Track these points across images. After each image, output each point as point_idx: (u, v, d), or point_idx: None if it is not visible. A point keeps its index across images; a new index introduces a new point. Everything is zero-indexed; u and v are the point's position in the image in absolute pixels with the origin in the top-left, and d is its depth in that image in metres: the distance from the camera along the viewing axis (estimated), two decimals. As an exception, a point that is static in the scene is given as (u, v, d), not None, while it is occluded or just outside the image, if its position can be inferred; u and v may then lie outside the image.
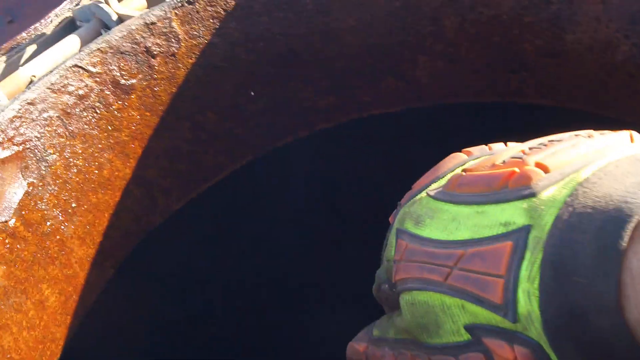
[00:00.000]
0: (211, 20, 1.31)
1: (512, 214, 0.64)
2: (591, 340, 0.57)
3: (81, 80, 1.22)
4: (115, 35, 1.25)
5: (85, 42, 1.44)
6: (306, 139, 1.51)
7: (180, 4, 1.29)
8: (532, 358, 0.62)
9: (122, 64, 1.26)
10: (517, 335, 0.62)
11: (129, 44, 1.26)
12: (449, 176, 0.82)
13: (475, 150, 0.86)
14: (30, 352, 1.18)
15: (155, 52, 1.29)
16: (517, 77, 1.41)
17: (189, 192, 1.45)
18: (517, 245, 0.62)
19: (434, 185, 0.82)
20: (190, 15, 1.30)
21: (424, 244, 0.72)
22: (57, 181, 1.22)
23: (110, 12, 1.44)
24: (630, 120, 1.35)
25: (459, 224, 0.69)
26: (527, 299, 0.60)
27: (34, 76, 1.38)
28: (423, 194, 0.81)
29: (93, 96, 1.24)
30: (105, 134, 1.27)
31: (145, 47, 1.28)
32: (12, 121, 1.15)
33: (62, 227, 1.24)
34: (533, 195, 0.63)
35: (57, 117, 1.20)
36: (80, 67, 1.22)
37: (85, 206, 1.27)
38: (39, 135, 1.18)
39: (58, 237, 1.23)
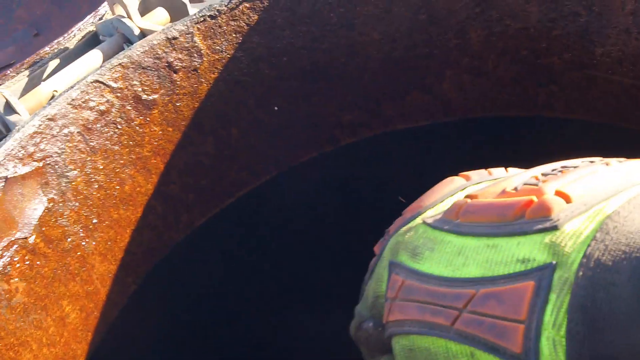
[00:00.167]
0: (234, 35, 1.29)
1: (531, 250, 0.57)
2: None
3: (102, 95, 1.20)
4: (137, 50, 1.23)
5: (107, 57, 1.41)
6: (330, 154, 1.48)
7: (202, 19, 1.26)
8: None
9: (143, 79, 1.24)
10: None
11: (151, 59, 1.24)
12: (447, 202, 0.76)
13: (474, 174, 0.81)
14: (51, 369, 1.16)
15: (177, 67, 1.26)
16: (545, 90, 1.37)
17: (212, 207, 1.43)
18: (540, 286, 0.54)
19: (429, 212, 0.76)
20: (212, 30, 1.27)
21: (425, 280, 0.65)
22: (78, 197, 1.19)
23: (132, 27, 1.42)
24: (660, 135, 1.31)
25: (467, 259, 0.62)
26: (552, 348, 0.52)
27: (56, 91, 1.36)
28: (418, 220, 0.75)
29: (114, 111, 1.22)
30: (127, 150, 1.25)
31: (167, 62, 1.25)
32: (32, 137, 1.12)
33: (83, 243, 1.21)
34: (555, 228, 0.56)
35: (78, 132, 1.18)
36: (101, 82, 1.19)
37: (107, 222, 1.25)
38: (59, 151, 1.16)
39: (79, 253, 1.21)
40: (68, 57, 1.52)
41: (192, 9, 1.61)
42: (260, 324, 1.66)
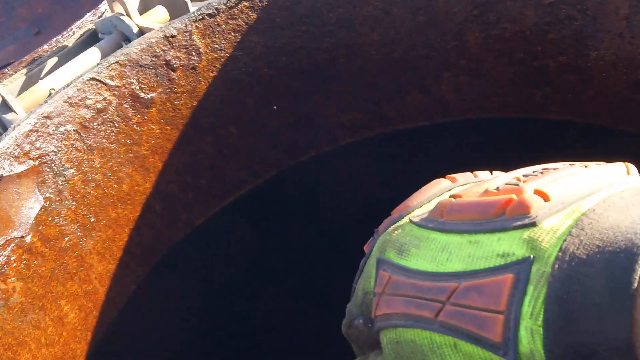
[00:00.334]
0: (233, 34, 1.25)
1: (510, 245, 0.58)
2: None
3: (99, 93, 1.16)
4: (134, 48, 1.19)
5: (105, 55, 1.39)
6: (330, 154, 1.45)
7: (201, 17, 1.22)
8: None
9: (141, 77, 1.20)
10: None
11: (149, 57, 1.20)
12: (433, 202, 0.77)
13: (460, 177, 0.81)
14: (49, 369, 1.13)
15: (175, 65, 1.22)
16: (541, 92, 1.35)
17: (211, 207, 1.40)
18: (519, 279, 0.55)
19: (416, 212, 0.76)
20: (211, 29, 1.24)
21: (411, 275, 0.65)
22: (75, 196, 1.16)
23: (131, 25, 1.39)
24: (655, 136, 1.30)
25: (450, 255, 0.62)
26: (530, 337, 0.54)
27: (54, 89, 1.33)
28: (405, 220, 0.75)
29: (112, 110, 1.18)
30: (125, 148, 1.21)
31: (165, 60, 1.21)
32: (28, 135, 1.09)
33: (81, 242, 1.18)
34: (533, 224, 0.57)
35: (74, 131, 1.14)
36: (98, 80, 1.16)
37: (105, 221, 1.21)
38: (55, 150, 1.12)
39: (77, 252, 1.18)
40: (66, 55, 1.49)
41: (193, 7, 1.59)
42: (261, 324, 1.64)
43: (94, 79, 1.16)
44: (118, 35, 1.42)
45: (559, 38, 1.28)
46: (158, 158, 1.27)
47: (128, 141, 1.22)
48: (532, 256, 0.55)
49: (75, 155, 1.15)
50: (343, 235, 1.57)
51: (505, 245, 0.58)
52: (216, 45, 1.26)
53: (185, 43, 1.23)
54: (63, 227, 1.15)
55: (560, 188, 0.59)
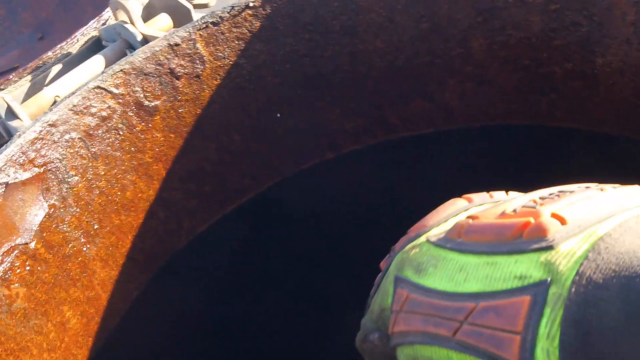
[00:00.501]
0: (236, 42, 1.27)
1: (527, 267, 0.59)
2: None
3: (104, 101, 1.19)
4: (138, 56, 1.21)
5: (110, 63, 1.41)
6: (333, 161, 1.47)
7: (204, 25, 1.25)
8: None
9: (145, 85, 1.23)
10: None
11: (153, 65, 1.23)
12: (450, 222, 0.78)
13: (476, 197, 0.81)
14: (50, 375, 1.15)
15: (179, 74, 1.25)
16: (546, 100, 1.37)
17: (214, 214, 1.42)
18: (536, 301, 0.57)
19: (433, 231, 0.77)
20: (215, 37, 1.26)
21: (429, 295, 0.67)
22: (79, 203, 1.18)
23: (135, 33, 1.41)
24: (662, 145, 1.31)
25: (468, 275, 0.64)
26: (547, 358, 0.55)
27: (58, 96, 1.35)
28: (422, 239, 0.76)
29: (116, 118, 1.21)
30: (129, 156, 1.23)
31: (170, 69, 1.24)
32: (33, 143, 1.11)
33: (84, 249, 1.20)
34: (550, 248, 0.58)
35: (79, 138, 1.17)
36: (103, 88, 1.18)
37: (108, 228, 1.24)
38: (60, 157, 1.14)
39: (80, 259, 1.20)
40: (71, 62, 1.52)
41: (196, 15, 1.61)
42: (263, 330, 1.65)
43: (98, 87, 1.18)
44: (122, 43, 1.44)
45: (565, 44, 1.29)
46: (162, 165, 1.29)
47: (132, 149, 1.24)
48: (549, 279, 0.56)
49: (79, 163, 1.18)
50: (346, 242, 1.59)
51: (523, 268, 0.59)
52: (220, 54, 1.28)
53: (189, 51, 1.25)
54: (67, 234, 1.17)
55: (577, 212, 0.60)
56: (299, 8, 1.29)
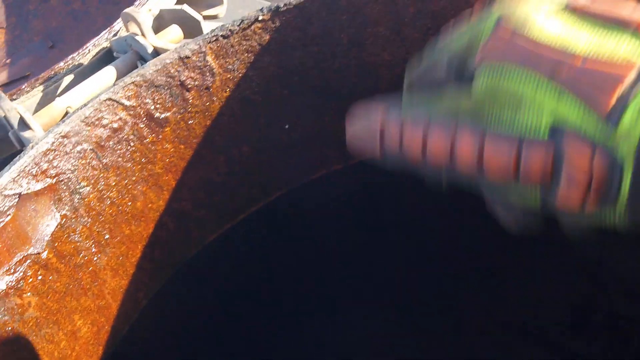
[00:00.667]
0: (246, 54, 1.28)
1: (638, 47, 0.61)
2: None
3: (115, 113, 1.19)
4: (149, 69, 1.22)
5: (121, 74, 1.41)
6: (341, 172, 1.47)
7: (215, 38, 1.25)
8: (606, 175, 0.59)
9: (156, 97, 1.23)
10: (604, 148, 0.59)
11: (164, 78, 1.23)
12: None
13: None
14: (62, 383, 1.15)
15: (189, 86, 1.25)
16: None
17: (223, 223, 1.42)
18: None
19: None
20: (224, 49, 1.26)
21: (534, 40, 0.66)
22: (91, 213, 1.19)
23: (146, 45, 1.42)
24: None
25: (579, 34, 0.65)
26: (636, 115, 0.57)
27: (70, 107, 1.36)
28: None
29: (127, 129, 1.21)
30: (139, 167, 1.24)
31: (180, 81, 1.24)
32: (45, 154, 1.12)
33: (95, 258, 1.21)
34: None
35: (90, 149, 1.17)
36: (114, 100, 1.19)
37: (119, 238, 1.24)
38: (72, 168, 1.15)
39: (91, 268, 1.20)
40: (82, 73, 1.52)
41: (206, 26, 1.61)
42: (273, 341, 1.65)
43: (110, 99, 1.19)
44: (133, 55, 1.45)
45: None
46: (172, 176, 1.29)
47: (143, 160, 1.24)
48: None
49: (91, 174, 1.18)
50: (354, 252, 1.59)
51: (632, 44, 0.61)
52: (229, 66, 1.28)
53: (199, 64, 1.26)
54: (78, 244, 1.18)
55: None
56: (308, 21, 1.29)
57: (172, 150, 1.28)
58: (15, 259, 1.08)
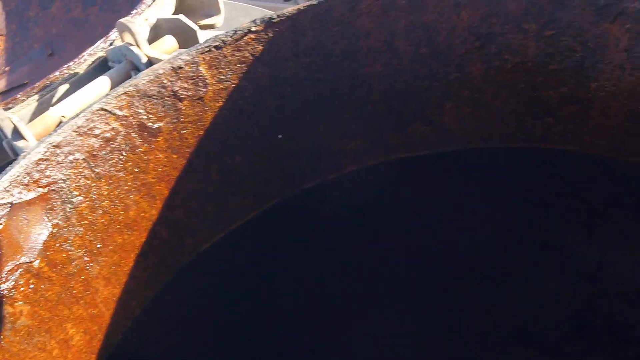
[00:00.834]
0: (238, 65, 1.27)
1: None
2: None
3: (108, 123, 1.18)
4: (142, 79, 1.21)
5: (115, 84, 1.41)
6: (334, 182, 1.46)
7: (207, 49, 1.25)
8: None
9: (149, 107, 1.22)
10: None
11: (157, 88, 1.22)
12: None
13: None
14: (53, 391, 1.14)
15: (182, 96, 1.24)
16: (542, 123, 1.36)
17: (216, 232, 1.41)
18: None
19: None
20: (217, 60, 1.26)
21: None
22: (83, 222, 1.18)
23: (140, 55, 1.41)
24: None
25: None
26: None
27: (64, 117, 1.35)
28: None
29: (119, 139, 1.20)
30: (132, 176, 1.23)
31: (173, 91, 1.23)
32: (37, 164, 1.11)
33: (87, 267, 1.20)
34: None
35: (83, 159, 1.16)
36: (107, 110, 1.18)
37: (111, 247, 1.23)
38: (64, 178, 1.14)
39: (83, 277, 1.19)
40: (77, 82, 1.52)
41: (203, 35, 1.61)
42: (268, 349, 1.65)
43: (102, 109, 1.18)
44: (127, 65, 1.44)
45: (560, 69, 1.29)
46: (164, 185, 1.28)
47: (135, 169, 1.24)
48: None
49: (83, 183, 1.17)
50: (347, 260, 1.58)
51: None
52: (222, 76, 1.27)
53: (192, 74, 1.25)
54: (70, 253, 1.17)
55: None
56: (300, 33, 1.28)
57: (164, 159, 1.27)
58: (7, 268, 1.07)
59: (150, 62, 1.42)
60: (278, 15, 1.26)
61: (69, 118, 1.18)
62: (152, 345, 1.39)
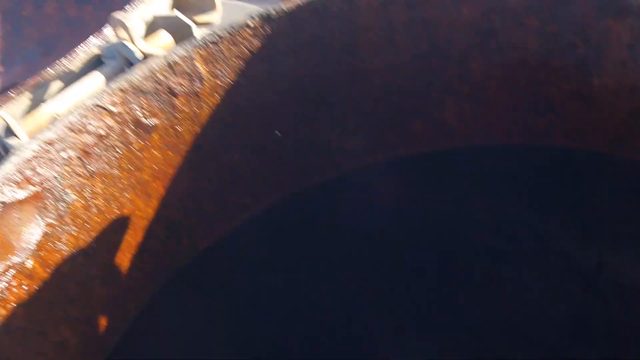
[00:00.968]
0: (235, 60, 1.25)
1: None
2: None
3: (101, 119, 1.16)
4: (136, 74, 1.19)
5: (109, 80, 1.38)
6: (333, 180, 1.45)
7: (203, 44, 1.22)
8: None
9: (144, 104, 1.20)
10: None
11: (151, 84, 1.20)
12: None
13: None
14: (49, 395, 1.12)
15: (177, 92, 1.22)
16: (544, 119, 1.35)
17: (215, 232, 1.39)
18: None
19: None
20: (213, 55, 1.24)
21: None
22: (77, 221, 1.16)
23: (134, 51, 1.39)
24: (658, 164, 1.29)
25: None
26: None
27: (57, 114, 1.33)
28: None
29: (114, 136, 1.18)
30: (127, 174, 1.21)
31: (168, 87, 1.21)
32: (29, 161, 1.09)
33: (82, 267, 1.18)
34: None
35: (76, 157, 1.14)
36: (100, 106, 1.16)
37: (106, 246, 1.21)
38: (57, 175, 1.12)
39: (78, 278, 1.17)
40: (70, 79, 1.49)
41: (199, 33, 1.59)
42: (266, 351, 1.63)
43: (96, 105, 1.16)
44: (121, 61, 1.43)
45: (562, 66, 1.28)
46: (160, 184, 1.26)
47: (130, 167, 1.21)
48: None
49: (77, 181, 1.15)
50: (346, 261, 1.57)
51: None
52: (218, 72, 1.25)
53: (187, 70, 1.23)
54: (64, 253, 1.15)
55: None
56: (298, 27, 1.26)
57: (160, 157, 1.25)
58: (-1, 269, 1.05)
59: (145, 58, 1.40)
60: (275, 10, 1.24)
61: (62, 115, 1.15)
62: (151, 347, 1.37)
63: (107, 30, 1.61)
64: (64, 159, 1.13)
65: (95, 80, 1.39)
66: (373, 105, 1.37)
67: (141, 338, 1.34)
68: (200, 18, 1.70)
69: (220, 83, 1.26)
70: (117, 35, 1.52)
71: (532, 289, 1.65)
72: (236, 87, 1.27)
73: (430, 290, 1.68)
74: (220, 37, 1.23)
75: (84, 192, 1.16)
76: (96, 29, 2.08)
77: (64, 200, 1.13)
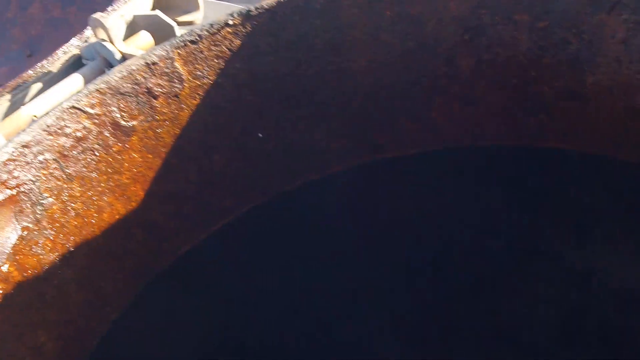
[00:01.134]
0: (215, 60, 1.26)
1: None
2: None
3: (79, 121, 1.18)
4: (114, 75, 1.20)
5: (88, 81, 1.40)
6: (318, 182, 1.45)
7: (183, 44, 1.24)
8: None
9: (122, 105, 1.21)
10: None
11: (130, 85, 1.21)
12: None
13: None
14: (24, 401, 1.14)
15: (157, 93, 1.24)
16: (535, 120, 1.35)
17: (196, 235, 1.40)
18: None
19: None
20: (193, 55, 1.25)
21: None
22: (54, 225, 1.17)
23: (114, 51, 1.40)
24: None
25: None
26: None
27: (35, 116, 1.34)
28: None
29: (92, 138, 1.19)
30: (105, 177, 1.22)
31: (147, 88, 1.23)
32: (5, 164, 1.10)
33: (60, 271, 1.19)
34: None
35: (53, 159, 1.15)
36: (77, 108, 1.17)
37: (84, 250, 1.23)
38: (34, 179, 1.13)
39: (55, 281, 1.19)
40: (50, 80, 1.51)
41: (180, 31, 1.60)
42: (249, 354, 1.64)
43: (73, 107, 1.17)
44: (101, 62, 1.44)
45: (554, 63, 1.28)
46: (140, 187, 1.28)
47: (109, 170, 1.23)
48: None
49: (54, 184, 1.16)
50: (331, 263, 1.57)
51: None
52: (199, 72, 1.26)
53: (167, 70, 1.24)
54: (41, 257, 1.16)
55: None
56: (280, 26, 1.27)
57: (139, 159, 1.26)
58: (-26, 273, 1.07)
59: (125, 59, 1.41)
60: (256, 8, 1.25)
61: (40, 117, 1.17)
62: (130, 351, 1.38)
63: (88, 32, 1.62)
64: (40, 161, 1.14)
65: (75, 82, 1.41)
66: (359, 105, 1.38)
67: (121, 342, 1.35)
68: (183, 18, 1.71)
69: (200, 84, 1.27)
70: (96, 36, 1.53)
71: (523, 292, 1.66)
72: (217, 88, 1.29)
73: (421, 297, 1.69)
74: (200, 37, 1.24)
75: (62, 195, 1.18)
76: (80, 29, 2.10)
77: (41, 204, 1.15)
